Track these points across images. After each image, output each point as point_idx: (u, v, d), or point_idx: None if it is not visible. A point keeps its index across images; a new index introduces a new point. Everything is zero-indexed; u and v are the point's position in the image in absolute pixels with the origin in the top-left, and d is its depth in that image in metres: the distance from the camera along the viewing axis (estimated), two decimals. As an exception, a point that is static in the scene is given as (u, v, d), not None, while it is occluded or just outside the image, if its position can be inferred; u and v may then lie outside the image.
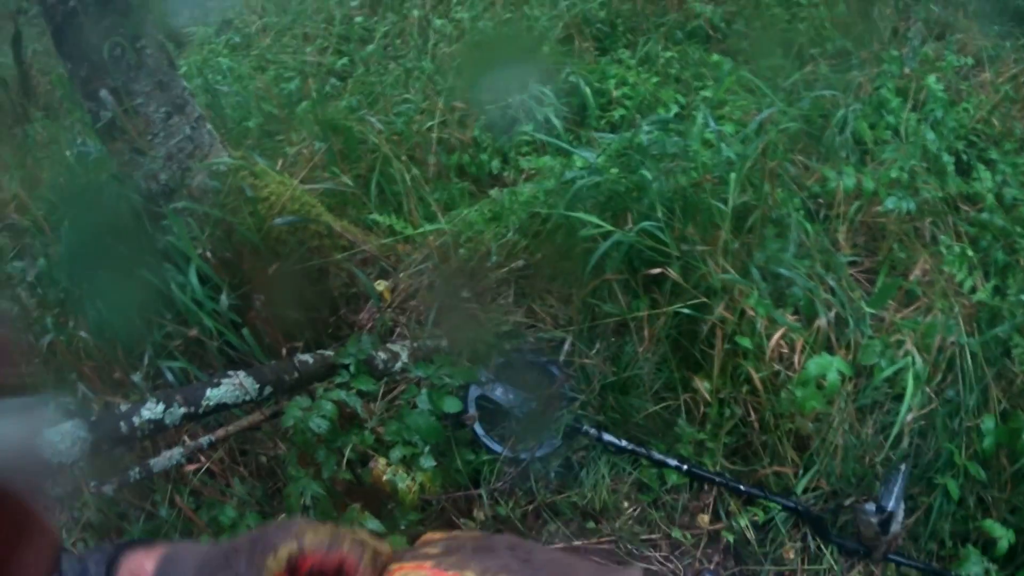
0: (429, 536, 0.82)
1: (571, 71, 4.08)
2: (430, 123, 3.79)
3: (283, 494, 2.60)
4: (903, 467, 2.70)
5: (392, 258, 3.25)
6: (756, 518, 2.78)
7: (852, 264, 3.25)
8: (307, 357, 2.76)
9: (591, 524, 2.78)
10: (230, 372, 2.61)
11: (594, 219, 2.79)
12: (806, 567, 2.73)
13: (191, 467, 2.77)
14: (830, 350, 2.83)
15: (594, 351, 2.93)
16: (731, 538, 2.76)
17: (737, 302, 2.74)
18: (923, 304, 3.08)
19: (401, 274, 3.17)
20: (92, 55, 2.77)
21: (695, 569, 2.71)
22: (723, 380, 2.79)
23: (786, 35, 4.27)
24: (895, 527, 2.61)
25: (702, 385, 2.79)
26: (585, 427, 2.83)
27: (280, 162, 3.49)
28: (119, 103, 2.80)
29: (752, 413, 2.80)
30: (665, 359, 2.88)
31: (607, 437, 2.82)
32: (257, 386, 2.62)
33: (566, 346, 2.95)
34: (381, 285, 3.09)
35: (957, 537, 2.77)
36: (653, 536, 2.78)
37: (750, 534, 2.76)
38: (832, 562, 2.71)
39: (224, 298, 2.85)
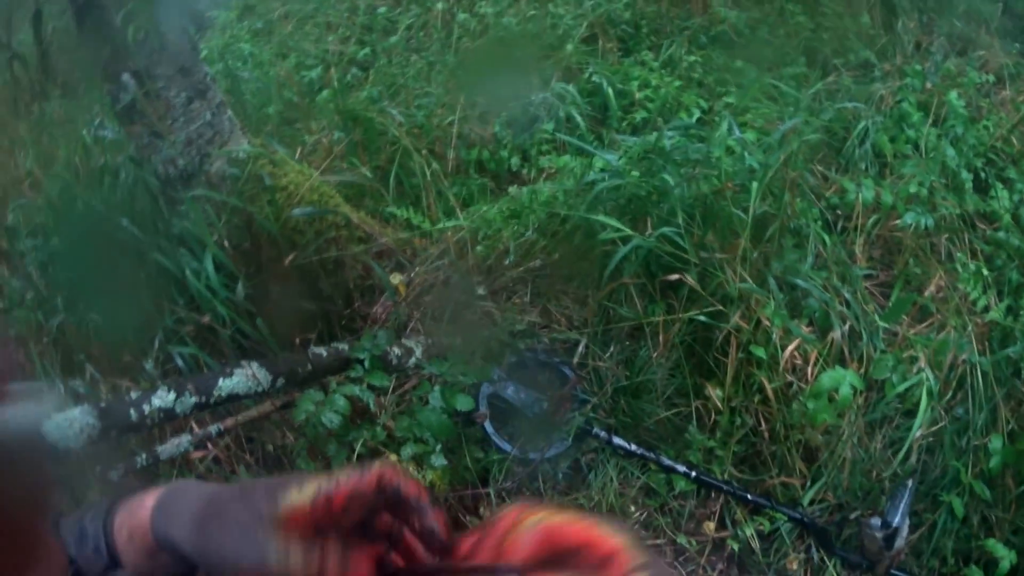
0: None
1: (594, 71, 4.07)
2: (451, 117, 3.78)
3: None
4: (910, 483, 2.70)
5: (408, 252, 3.24)
6: (762, 528, 2.78)
7: (867, 277, 3.25)
8: (321, 350, 2.76)
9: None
10: (243, 362, 2.61)
11: (614, 222, 2.79)
12: (809, 579, 2.73)
13: (198, 454, 2.77)
14: (843, 363, 2.83)
15: (608, 354, 2.93)
16: (736, 547, 2.76)
17: (753, 311, 2.74)
18: (936, 321, 3.08)
19: (417, 268, 3.16)
20: (115, 37, 2.76)
21: (698, 577, 2.72)
22: (735, 389, 2.79)
23: (810, 44, 4.26)
24: (899, 543, 2.62)
25: (714, 393, 2.79)
26: (595, 430, 2.83)
27: (299, 151, 3.48)
28: (140, 86, 2.79)
29: (763, 423, 2.80)
30: (678, 365, 2.88)
31: (617, 441, 2.82)
32: (270, 377, 2.62)
33: (580, 348, 2.95)
34: (396, 279, 3.09)
35: (959, 555, 2.77)
36: (658, 541, 2.78)
37: (755, 543, 2.76)
38: (835, 574, 2.72)
39: (240, 287, 2.84)
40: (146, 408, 2.42)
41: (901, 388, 2.78)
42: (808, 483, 2.82)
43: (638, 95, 3.95)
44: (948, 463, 2.81)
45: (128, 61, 2.80)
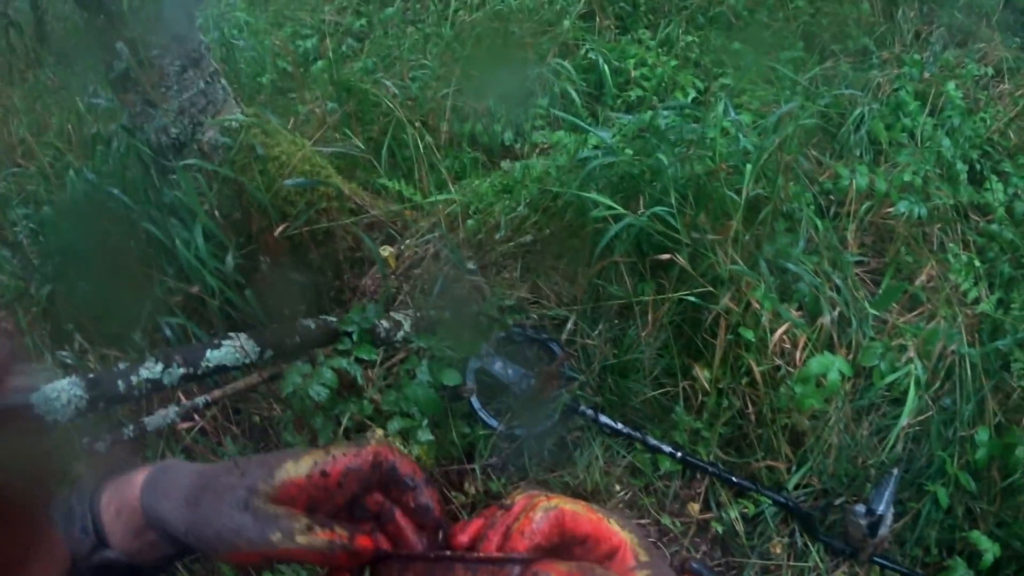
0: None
1: (591, 48, 4.05)
2: (445, 90, 3.76)
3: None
4: (895, 471, 2.71)
5: (399, 225, 3.23)
6: (746, 511, 2.78)
7: (859, 264, 3.25)
8: (309, 322, 2.74)
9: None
10: (231, 334, 2.59)
11: (606, 200, 2.78)
12: (792, 563, 2.73)
13: (184, 425, 2.76)
14: (831, 348, 2.83)
15: (596, 332, 2.92)
16: (720, 529, 2.76)
17: (743, 294, 2.74)
18: (927, 310, 3.08)
19: (407, 241, 3.15)
20: (110, 4, 2.74)
21: (682, 557, 2.71)
22: (723, 370, 2.79)
23: (808, 28, 4.25)
24: (883, 530, 2.62)
25: (702, 374, 2.79)
26: (582, 407, 2.82)
27: (292, 121, 3.46)
28: (134, 54, 2.77)
29: (750, 406, 2.80)
30: (667, 345, 2.88)
31: (603, 419, 2.82)
32: (258, 349, 2.60)
33: (569, 325, 2.94)
34: (387, 251, 3.07)
35: (943, 546, 2.78)
36: (643, 521, 2.78)
37: (739, 526, 2.76)
38: (818, 560, 2.72)
39: (229, 258, 2.83)
40: (134, 379, 2.40)
41: (889, 376, 2.78)
42: (793, 467, 2.82)
43: (634, 73, 3.95)
44: (934, 453, 2.82)
45: (123, 29, 2.78)
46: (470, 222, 3.11)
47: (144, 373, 2.42)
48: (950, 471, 2.75)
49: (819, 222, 3.04)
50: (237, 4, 5.29)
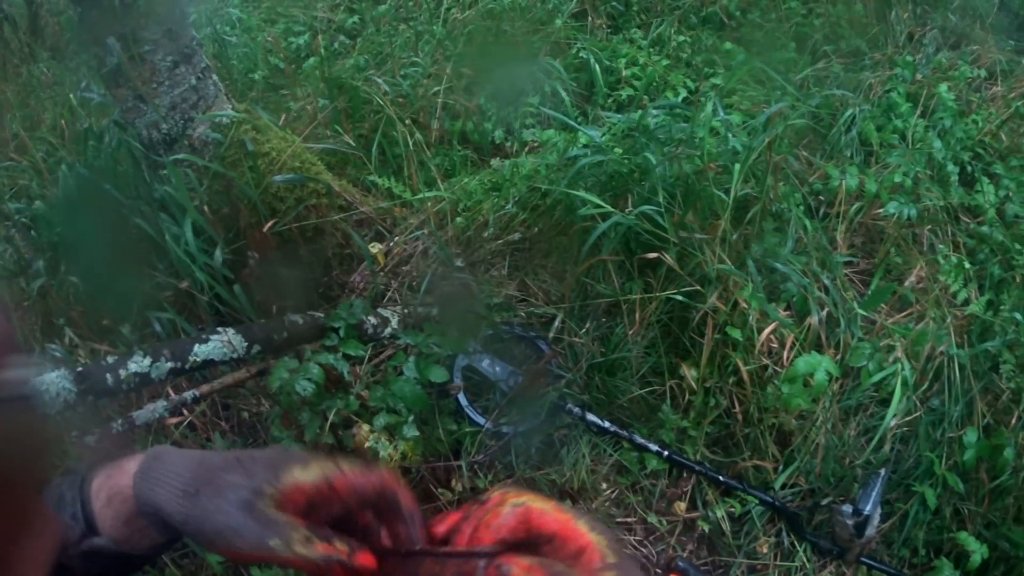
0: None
1: (582, 47, 4.05)
2: (436, 88, 3.76)
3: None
4: (883, 472, 2.71)
5: (388, 221, 3.23)
6: (732, 510, 2.78)
7: (848, 264, 3.25)
8: (297, 318, 2.75)
9: (568, 503, 2.78)
10: (219, 329, 2.60)
11: (594, 199, 2.78)
12: (778, 563, 2.74)
13: (173, 420, 2.76)
14: (819, 348, 2.83)
15: (584, 330, 2.92)
16: (706, 528, 2.76)
17: (731, 293, 2.74)
18: (916, 311, 3.08)
19: (396, 238, 3.16)
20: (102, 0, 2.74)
21: (668, 556, 2.71)
22: (710, 369, 2.79)
23: (801, 29, 4.25)
24: (870, 531, 2.62)
25: (689, 373, 2.79)
26: (569, 405, 2.83)
27: (283, 117, 3.46)
28: (126, 50, 2.77)
29: (737, 405, 2.80)
30: (654, 344, 2.88)
31: (590, 417, 2.82)
32: (245, 344, 2.61)
33: (556, 323, 2.94)
34: (376, 248, 3.08)
35: (930, 547, 2.78)
36: (629, 520, 2.79)
37: (725, 525, 2.76)
38: (805, 560, 2.72)
39: (218, 253, 2.83)
40: (122, 373, 2.41)
41: (877, 377, 2.79)
42: (780, 467, 2.82)
43: (625, 72, 3.94)
44: (922, 454, 2.82)
45: (115, 24, 2.78)
46: (459, 219, 3.11)
47: (132, 367, 2.43)
48: (938, 472, 2.75)
49: (808, 222, 3.04)
50: (230, 0, 5.30)
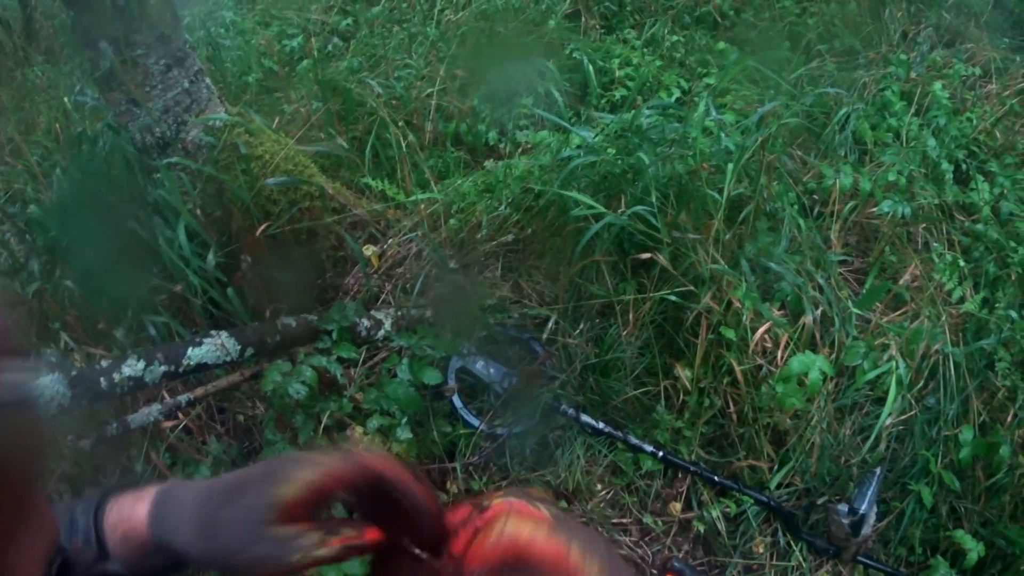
0: (533, 490, 0.80)
1: (575, 47, 4.05)
2: (430, 90, 3.76)
3: (259, 458, 2.59)
4: (878, 471, 2.70)
5: (382, 224, 3.23)
6: (728, 510, 2.78)
7: (842, 263, 3.25)
8: (290, 321, 2.75)
9: (563, 504, 2.78)
10: (212, 332, 2.60)
11: (587, 199, 2.78)
12: (775, 563, 2.73)
13: (168, 423, 2.76)
14: (814, 348, 2.83)
15: (578, 331, 2.92)
16: (702, 528, 2.76)
17: (724, 293, 2.74)
18: (910, 310, 3.08)
19: (390, 240, 3.16)
20: (95, 3, 2.74)
21: (664, 556, 2.71)
22: (705, 370, 2.79)
23: (795, 29, 4.25)
24: (866, 530, 2.62)
25: (683, 373, 2.79)
26: (563, 407, 2.82)
27: (276, 120, 3.46)
28: (119, 53, 2.77)
29: (731, 405, 2.80)
30: (648, 344, 2.88)
31: (585, 418, 2.82)
32: (239, 347, 2.61)
33: (550, 324, 2.94)
34: (369, 250, 3.08)
35: (927, 545, 2.78)
36: (624, 520, 2.78)
37: (721, 525, 2.76)
38: (801, 559, 2.72)
39: (211, 256, 2.83)
40: (116, 376, 2.41)
41: (871, 375, 2.79)
42: (776, 467, 2.82)
43: (619, 73, 3.95)
44: (918, 452, 2.81)
45: (108, 27, 2.77)
46: (452, 221, 3.11)
47: (126, 371, 2.43)
48: (934, 470, 2.74)
49: (802, 221, 3.03)
50: (224, 3, 5.30)
